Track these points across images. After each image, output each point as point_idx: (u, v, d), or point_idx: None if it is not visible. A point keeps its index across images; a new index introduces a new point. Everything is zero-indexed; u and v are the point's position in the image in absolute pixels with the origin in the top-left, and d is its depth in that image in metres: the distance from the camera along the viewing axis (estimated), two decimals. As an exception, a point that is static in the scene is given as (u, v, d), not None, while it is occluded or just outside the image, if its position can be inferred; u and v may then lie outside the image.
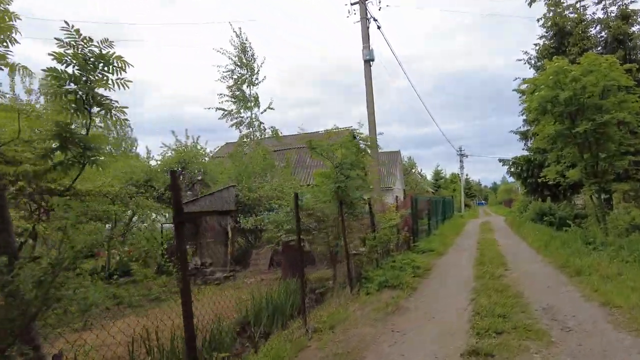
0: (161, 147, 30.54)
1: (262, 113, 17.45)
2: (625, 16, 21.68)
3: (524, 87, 14.66)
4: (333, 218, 8.96)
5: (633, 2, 21.78)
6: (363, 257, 9.56)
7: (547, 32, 24.34)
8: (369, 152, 9.16)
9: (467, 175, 70.72)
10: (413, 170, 55.99)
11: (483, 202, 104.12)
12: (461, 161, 52.40)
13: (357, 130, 8.79)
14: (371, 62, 14.86)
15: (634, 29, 21.61)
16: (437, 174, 70.74)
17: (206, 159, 19.13)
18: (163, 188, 18.77)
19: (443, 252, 14.44)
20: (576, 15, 23.43)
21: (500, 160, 23.23)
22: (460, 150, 52.09)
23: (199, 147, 19.85)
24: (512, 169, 22.97)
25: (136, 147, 35.49)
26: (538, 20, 24.46)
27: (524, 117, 21.85)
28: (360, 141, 8.98)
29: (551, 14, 23.74)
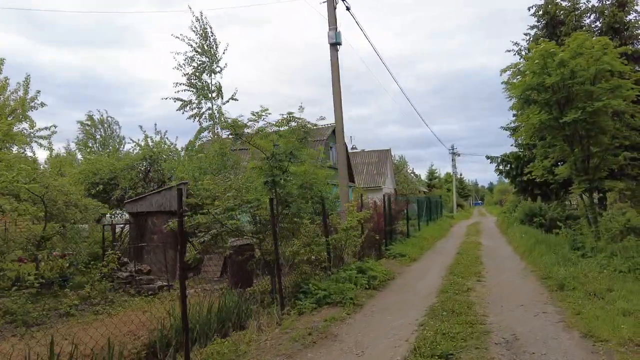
0: (129, 143, 28.66)
1: (224, 104, 15.93)
2: (622, 3, 20.22)
3: (506, 75, 13.10)
4: (266, 220, 7.44)
5: (630, -12, 20.37)
6: (306, 267, 8.03)
7: (538, 22, 22.85)
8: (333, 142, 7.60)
9: (460, 175, 69.18)
10: (406, 169, 54.49)
11: (480, 202, 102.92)
12: (453, 160, 50.88)
13: (294, 115, 7.24)
14: (338, 46, 13.38)
15: (630, 17, 20.14)
16: (431, 174, 69.27)
17: (175, 156, 17.65)
18: (128, 186, 17.30)
19: (417, 257, 12.95)
20: (569, 3, 22.00)
21: (488, 158, 21.68)
22: (453, 149, 50.53)
23: (168, 143, 18.37)
24: (501, 167, 21.43)
25: (123, 146, 34.05)
26: (529, 9, 23.03)
27: (514, 111, 20.40)
28: (303, 129, 7.43)
29: (542, 1, 22.34)
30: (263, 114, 6.80)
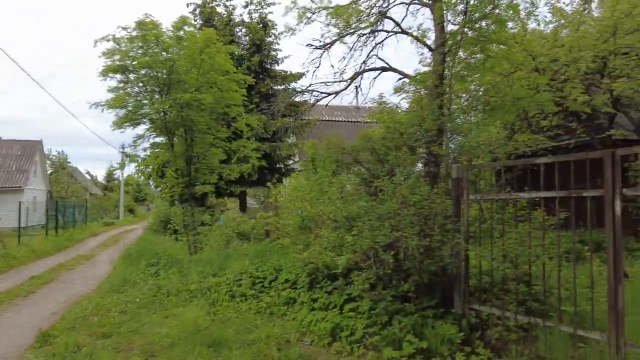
0: None
1: None
2: (265, 24, 21.88)
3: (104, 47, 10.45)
4: None
5: (271, 13, 22.36)
6: None
7: (195, 21, 22.02)
8: None
9: (140, 178, 64.53)
10: (69, 168, 45.72)
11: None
12: (122, 160, 46.32)
13: None
14: None
15: (270, 38, 22.00)
16: (110, 175, 61.74)
17: None
18: None
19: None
20: (226, 13, 22.30)
21: (127, 155, 18.85)
22: (123, 149, 46.07)
23: None
24: (141, 168, 18.98)
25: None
26: (188, 5, 21.99)
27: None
28: None
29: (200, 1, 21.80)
30: None
